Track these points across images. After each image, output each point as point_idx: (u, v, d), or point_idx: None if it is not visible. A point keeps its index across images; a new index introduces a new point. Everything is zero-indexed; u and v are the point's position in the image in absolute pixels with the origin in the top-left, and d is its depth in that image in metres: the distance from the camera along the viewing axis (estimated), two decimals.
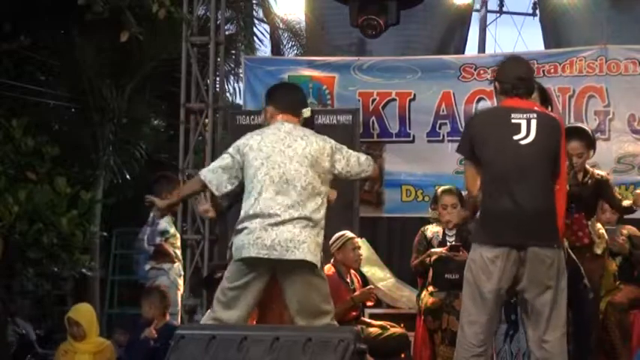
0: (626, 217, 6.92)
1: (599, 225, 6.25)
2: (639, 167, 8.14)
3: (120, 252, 12.29)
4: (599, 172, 6.21)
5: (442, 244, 6.66)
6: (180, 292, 7.10)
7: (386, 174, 8.58)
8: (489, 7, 14.86)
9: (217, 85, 10.36)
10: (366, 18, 7.88)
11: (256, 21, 13.78)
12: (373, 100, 8.65)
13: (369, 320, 6.84)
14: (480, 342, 4.62)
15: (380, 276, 8.10)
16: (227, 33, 10.53)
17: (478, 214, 4.82)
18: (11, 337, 8.44)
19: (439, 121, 8.54)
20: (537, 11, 11.71)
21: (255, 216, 4.67)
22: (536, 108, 4.76)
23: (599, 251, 6.18)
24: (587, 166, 6.16)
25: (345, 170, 4.84)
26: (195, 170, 7.86)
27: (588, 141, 6.07)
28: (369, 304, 6.81)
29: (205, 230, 8.44)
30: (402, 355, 6.60)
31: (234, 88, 13.27)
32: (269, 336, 3.97)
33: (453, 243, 6.57)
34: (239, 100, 11.65)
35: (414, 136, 8.61)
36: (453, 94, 8.52)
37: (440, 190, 6.86)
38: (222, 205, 5.63)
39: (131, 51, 10.16)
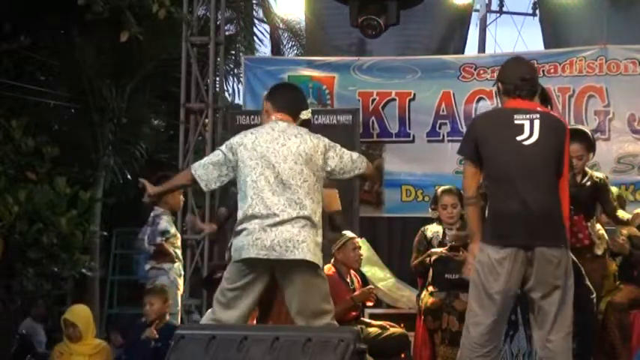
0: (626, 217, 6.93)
1: (598, 226, 6.25)
2: (639, 167, 8.14)
3: (120, 252, 12.30)
4: (598, 175, 6.21)
5: (442, 244, 6.66)
6: (180, 292, 7.10)
7: (386, 174, 8.59)
8: (489, 7, 14.89)
9: (217, 85, 10.38)
10: (366, 18, 7.88)
11: (256, 21, 13.80)
12: (373, 100, 8.65)
13: (369, 320, 6.84)
14: (484, 343, 4.62)
15: (380, 276, 8.10)
16: (227, 33, 10.55)
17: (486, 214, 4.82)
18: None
19: (439, 121, 8.54)
20: (537, 11, 11.70)
21: (254, 217, 4.66)
22: (539, 108, 4.76)
23: (599, 252, 6.18)
24: (586, 168, 6.16)
25: (338, 168, 4.83)
26: None
27: (588, 143, 6.07)
28: (369, 304, 6.80)
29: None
30: (402, 355, 6.60)
31: (233, 88, 13.29)
32: (269, 336, 3.97)
33: (453, 243, 6.57)
34: (239, 100, 11.64)
35: (413, 136, 8.61)
36: (453, 94, 8.52)
37: (440, 190, 6.86)
38: (221, 217, 5.62)
39: (131, 51, 10.17)
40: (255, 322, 5.45)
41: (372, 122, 8.62)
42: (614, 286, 6.72)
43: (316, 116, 7.75)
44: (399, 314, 7.53)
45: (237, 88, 12.95)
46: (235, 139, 4.85)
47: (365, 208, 8.39)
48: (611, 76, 8.24)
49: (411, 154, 8.59)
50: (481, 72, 8.50)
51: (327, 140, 4.86)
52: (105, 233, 10.89)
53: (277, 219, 4.63)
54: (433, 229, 6.79)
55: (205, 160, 4.92)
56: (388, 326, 6.69)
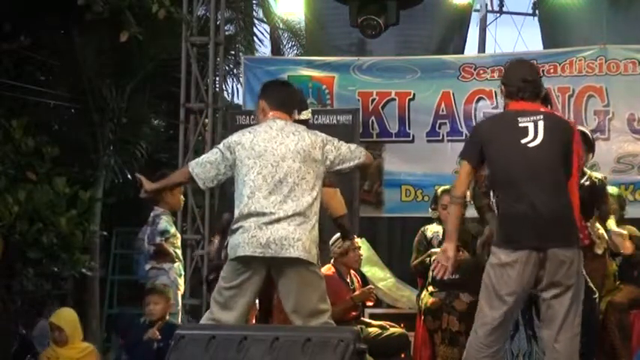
0: (626, 217, 6.94)
1: (598, 225, 6.25)
2: (639, 167, 8.14)
3: (120, 252, 12.30)
4: (597, 175, 6.22)
5: (442, 244, 6.64)
6: (180, 292, 7.10)
7: (385, 174, 8.59)
8: (489, 7, 14.88)
9: (217, 85, 10.37)
10: (366, 18, 7.88)
11: (256, 21, 13.78)
12: (373, 100, 8.65)
13: (369, 320, 6.84)
14: (490, 343, 4.62)
15: (380, 276, 8.10)
16: (227, 33, 10.53)
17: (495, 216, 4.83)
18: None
19: (439, 121, 8.54)
20: (537, 11, 11.70)
21: (250, 215, 4.67)
22: (542, 110, 4.76)
23: (599, 251, 6.18)
24: (585, 169, 6.17)
25: (337, 160, 4.84)
26: None
27: (587, 144, 6.08)
28: (369, 304, 6.80)
29: (205, 230, 8.44)
30: (402, 355, 6.60)
31: (233, 88, 13.29)
32: (269, 336, 3.97)
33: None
34: (239, 100, 11.64)
35: (413, 136, 8.61)
36: (453, 94, 8.52)
37: (440, 190, 6.87)
38: (225, 222, 5.57)
39: (131, 51, 10.17)
40: (255, 321, 5.44)
41: (372, 122, 8.62)
42: (614, 286, 6.72)
43: (316, 116, 7.75)
44: (399, 314, 7.53)
45: (237, 88, 12.95)
46: (233, 138, 4.85)
47: (365, 208, 8.39)
48: (610, 76, 8.24)
49: (410, 154, 8.59)
50: (481, 72, 8.50)
51: (324, 135, 4.89)
52: (105, 233, 10.89)
53: (273, 217, 4.64)
54: (433, 229, 6.79)
55: (203, 158, 4.93)
56: (388, 326, 6.68)
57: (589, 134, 6.28)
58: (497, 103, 8.27)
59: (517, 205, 4.59)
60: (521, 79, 4.80)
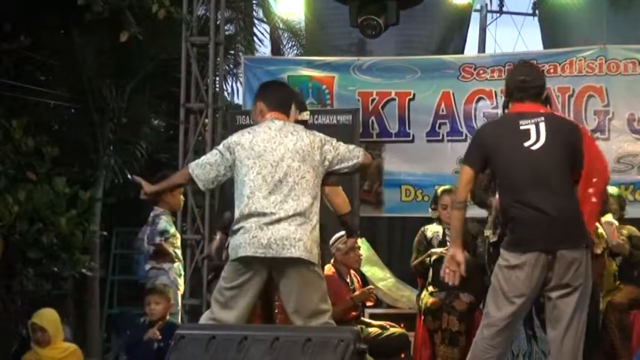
0: (626, 217, 6.94)
1: (597, 225, 6.25)
2: (639, 167, 8.14)
3: (120, 252, 12.29)
4: None
5: (442, 244, 6.67)
6: (180, 292, 7.10)
7: (385, 174, 8.59)
8: (489, 7, 14.88)
9: (217, 85, 10.36)
10: (366, 18, 7.88)
11: (256, 21, 13.76)
12: (373, 100, 8.65)
13: (369, 320, 6.84)
14: (497, 344, 4.63)
15: (380, 276, 8.10)
16: (227, 33, 10.53)
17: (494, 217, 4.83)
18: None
19: (439, 121, 8.54)
20: (537, 11, 11.70)
21: (250, 215, 4.68)
22: (542, 111, 4.76)
23: (598, 251, 6.18)
24: None
25: (336, 160, 4.84)
26: None
27: None
28: (369, 304, 6.81)
29: (205, 230, 8.44)
30: (402, 355, 6.61)
31: (232, 88, 13.27)
32: (269, 336, 3.98)
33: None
34: (238, 100, 11.63)
35: (413, 136, 8.61)
36: (453, 94, 8.52)
37: (440, 190, 6.87)
38: (227, 221, 5.57)
39: (131, 51, 10.16)
40: (259, 321, 5.43)
41: (372, 122, 8.62)
42: (614, 286, 6.72)
43: (316, 116, 7.76)
44: (399, 314, 7.54)
45: (237, 87, 12.95)
46: (233, 139, 4.86)
47: (365, 208, 8.39)
48: (610, 76, 8.23)
49: (410, 154, 8.59)
50: (481, 72, 8.50)
51: (322, 135, 4.91)
52: (105, 233, 10.87)
53: (274, 217, 4.65)
54: (433, 229, 6.80)
55: (203, 159, 4.94)
56: (388, 326, 6.69)
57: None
58: (497, 103, 8.28)
59: (525, 209, 4.58)
60: (519, 80, 4.82)
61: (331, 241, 6.51)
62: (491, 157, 4.72)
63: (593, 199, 4.74)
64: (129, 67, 10.95)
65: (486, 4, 14.17)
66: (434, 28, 9.87)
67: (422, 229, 6.89)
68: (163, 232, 6.94)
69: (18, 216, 7.60)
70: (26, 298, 9.30)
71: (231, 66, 12.52)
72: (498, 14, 15.37)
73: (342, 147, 4.89)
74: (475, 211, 6.06)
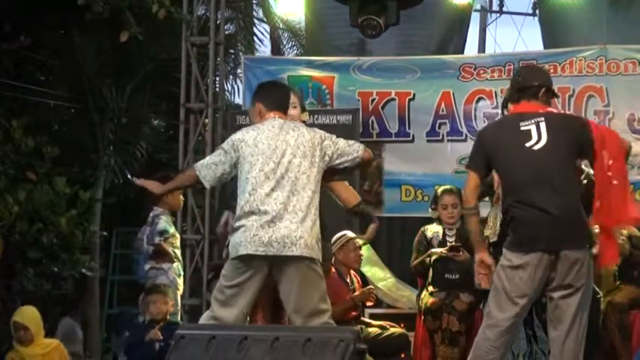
0: None
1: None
2: (639, 167, 8.14)
3: (120, 252, 12.29)
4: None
5: (442, 244, 6.67)
6: (179, 292, 7.10)
7: (385, 174, 8.59)
8: (489, 7, 14.89)
9: (217, 85, 10.36)
10: (366, 18, 7.87)
11: (256, 21, 13.77)
12: (373, 100, 8.65)
13: (369, 320, 6.84)
14: (500, 345, 4.63)
15: (380, 276, 8.11)
16: (227, 33, 10.52)
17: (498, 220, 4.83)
18: None
19: (438, 121, 8.54)
20: (537, 11, 11.70)
21: (252, 213, 4.69)
22: (541, 110, 4.76)
23: (594, 251, 6.17)
24: (583, 166, 6.15)
25: (335, 154, 4.86)
26: None
27: None
28: (369, 304, 6.81)
29: (205, 230, 8.44)
30: (402, 355, 6.61)
31: (233, 88, 13.27)
32: (269, 336, 3.97)
33: (453, 243, 6.58)
34: (239, 100, 11.63)
35: (413, 136, 8.61)
36: (453, 93, 8.52)
37: (440, 190, 6.87)
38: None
39: (131, 51, 10.15)
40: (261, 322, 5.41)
41: (372, 122, 8.62)
42: (614, 286, 6.72)
43: (316, 116, 7.77)
44: (399, 314, 7.54)
45: (237, 87, 12.94)
46: (236, 136, 4.89)
47: (363, 207, 8.36)
48: (611, 76, 8.23)
49: (410, 153, 8.59)
50: (481, 72, 8.50)
51: (322, 132, 4.94)
52: (105, 233, 10.87)
53: (275, 215, 4.66)
54: (433, 229, 6.80)
55: (208, 160, 4.97)
56: (388, 326, 6.69)
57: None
58: (497, 103, 8.28)
59: (527, 209, 4.58)
60: (516, 81, 4.85)
61: (332, 240, 6.50)
62: (492, 158, 4.73)
63: (614, 182, 4.69)
64: (129, 67, 10.94)
65: (487, 4, 14.17)
66: (434, 28, 9.87)
67: (422, 229, 6.88)
68: (163, 232, 6.94)
69: (18, 216, 7.61)
70: (26, 298, 9.30)
71: (232, 65, 12.52)
72: (498, 14, 15.38)
73: (342, 142, 4.92)
74: None
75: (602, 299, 6.25)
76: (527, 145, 4.65)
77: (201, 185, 5.04)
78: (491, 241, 5.71)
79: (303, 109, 5.36)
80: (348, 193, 5.38)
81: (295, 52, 13.89)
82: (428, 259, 6.66)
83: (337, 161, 4.89)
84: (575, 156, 4.71)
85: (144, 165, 11.76)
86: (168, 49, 10.50)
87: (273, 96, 5.05)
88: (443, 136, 8.54)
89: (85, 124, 11.25)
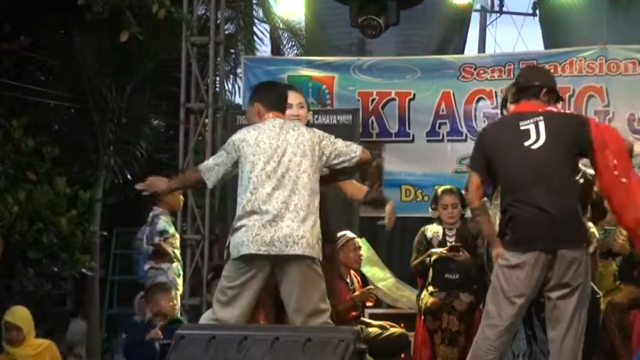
0: None
1: (590, 224, 6.24)
2: (639, 167, 8.13)
3: (120, 252, 12.30)
4: (591, 172, 6.19)
5: (442, 244, 6.66)
6: (179, 292, 7.10)
7: (385, 174, 8.53)
8: (489, 7, 14.89)
9: (217, 85, 10.36)
10: (366, 18, 7.87)
11: (256, 21, 13.77)
12: (373, 100, 8.65)
13: (369, 320, 6.84)
14: (500, 344, 4.63)
15: (380, 276, 8.10)
16: (227, 33, 10.52)
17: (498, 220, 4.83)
18: None
19: (439, 121, 8.53)
20: (537, 11, 11.70)
21: (253, 212, 4.69)
22: (540, 110, 4.76)
23: (590, 250, 6.16)
24: (580, 165, 6.14)
25: (333, 154, 4.87)
26: None
27: None
28: (369, 304, 6.81)
29: (205, 230, 8.44)
30: (402, 355, 6.60)
31: (233, 88, 13.27)
32: (269, 336, 3.98)
33: (453, 243, 6.57)
34: (239, 100, 11.64)
35: (413, 136, 8.60)
36: (453, 93, 8.52)
37: (440, 190, 6.87)
38: None
39: (131, 51, 10.16)
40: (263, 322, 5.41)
41: (372, 122, 8.61)
42: (614, 286, 6.71)
43: (316, 116, 7.76)
44: (399, 314, 7.53)
45: (237, 87, 12.94)
46: (237, 136, 4.90)
47: (365, 208, 8.30)
48: (611, 76, 8.23)
49: (410, 153, 8.58)
50: (481, 72, 8.49)
51: (321, 132, 4.96)
52: (105, 233, 10.88)
53: (276, 214, 4.67)
54: (433, 229, 6.79)
55: (211, 162, 4.98)
56: (388, 326, 6.68)
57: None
58: (497, 103, 8.27)
59: (525, 208, 4.59)
60: (518, 82, 4.85)
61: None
62: (492, 158, 4.74)
63: (623, 180, 4.68)
64: (129, 67, 10.95)
65: (488, 4, 14.18)
66: (434, 28, 9.88)
67: (422, 229, 6.88)
68: (162, 232, 6.95)
69: (18, 216, 7.61)
70: (26, 298, 9.31)
71: (232, 65, 12.52)
72: (498, 14, 15.38)
73: (340, 142, 4.93)
74: None
75: (602, 299, 6.24)
76: (526, 144, 4.65)
77: (204, 185, 5.07)
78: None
79: (307, 109, 5.38)
80: (354, 189, 5.40)
81: (295, 52, 13.89)
82: (428, 259, 6.66)
83: (334, 161, 4.90)
84: (574, 155, 4.71)
85: (144, 165, 11.77)
86: (168, 49, 10.51)
87: (272, 96, 5.06)
88: (443, 136, 8.54)
89: (85, 124, 11.26)
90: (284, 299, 4.78)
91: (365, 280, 7.51)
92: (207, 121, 8.68)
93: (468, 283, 6.46)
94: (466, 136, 8.37)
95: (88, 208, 8.41)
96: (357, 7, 7.92)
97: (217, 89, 10.35)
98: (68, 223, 7.85)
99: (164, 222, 6.98)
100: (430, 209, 6.96)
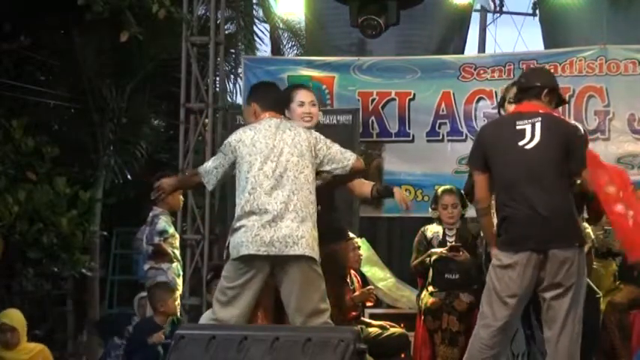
0: None
1: (585, 224, 6.23)
2: (639, 167, 8.14)
3: (120, 252, 12.28)
4: None
5: (442, 244, 6.66)
6: (178, 292, 7.10)
7: (385, 174, 8.58)
8: (489, 7, 14.87)
9: (217, 85, 10.36)
10: (366, 18, 7.87)
11: (256, 21, 13.76)
12: (373, 100, 8.64)
13: (369, 320, 6.84)
14: (494, 345, 4.64)
15: (380, 276, 8.10)
16: (227, 33, 10.52)
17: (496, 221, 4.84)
18: None
19: (439, 121, 8.53)
20: (537, 11, 11.69)
21: (252, 213, 4.70)
22: (540, 111, 4.77)
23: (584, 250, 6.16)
24: None
25: (326, 159, 4.87)
26: None
27: None
28: (369, 304, 6.81)
29: (205, 230, 8.44)
30: (402, 355, 6.61)
31: (234, 87, 13.26)
32: (269, 336, 3.98)
33: (453, 243, 6.57)
34: (239, 100, 11.63)
35: (413, 136, 8.60)
36: (453, 93, 8.52)
37: (440, 190, 6.87)
38: None
39: (131, 51, 10.16)
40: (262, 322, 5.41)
41: (372, 122, 8.61)
42: (614, 286, 6.72)
43: None
44: (399, 314, 7.54)
45: (237, 87, 12.94)
46: (233, 137, 4.92)
47: (365, 208, 8.38)
48: (611, 77, 8.23)
49: (410, 153, 8.58)
50: (481, 72, 8.49)
51: (318, 134, 4.97)
52: (105, 233, 10.88)
53: (276, 214, 4.68)
54: (433, 229, 6.79)
55: (210, 164, 5.01)
56: (388, 326, 6.69)
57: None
58: (497, 103, 8.26)
59: (517, 207, 4.60)
60: (519, 82, 4.87)
61: None
62: (489, 156, 4.75)
63: (630, 213, 4.74)
64: (129, 67, 10.95)
65: (489, 5, 14.16)
66: (434, 28, 9.87)
67: (422, 229, 6.88)
68: (162, 232, 6.94)
69: (18, 216, 7.61)
70: (26, 298, 9.31)
71: (232, 64, 12.51)
72: (498, 14, 15.37)
73: (335, 148, 4.93)
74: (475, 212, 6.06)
75: (601, 299, 6.25)
76: (520, 143, 4.67)
77: (203, 186, 5.10)
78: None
79: (319, 107, 5.41)
80: (362, 185, 5.44)
81: (295, 52, 13.88)
82: (428, 259, 6.66)
83: (327, 167, 4.90)
84: (567, 157, 4.71)
85: (144, 165, 11.77)
86: (168, 49, 10.50)
87: (268, 96, 5.08)
88: (443, 136, 8.53)
89: (85, 124, 11.25)
90: (284, 299, 4.78)
91: (365, 280, 7.51)
92: (207, 121, 8.68)
93: (468, 283, 6.46)
94: (466, 136, 8.37)
95: (88, 208, 8.41)
96: (357, 7, 7.92)
97: (217, 89, 10.35)
98: (68, 223, 7.85)
99: (164, 222, 6.97)
100: (430, 209, 6.96)
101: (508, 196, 4.66)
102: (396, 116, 8.61)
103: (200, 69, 8.82)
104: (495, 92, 8.34)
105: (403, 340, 6.63)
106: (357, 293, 6.57)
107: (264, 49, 13.78)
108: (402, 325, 6.90)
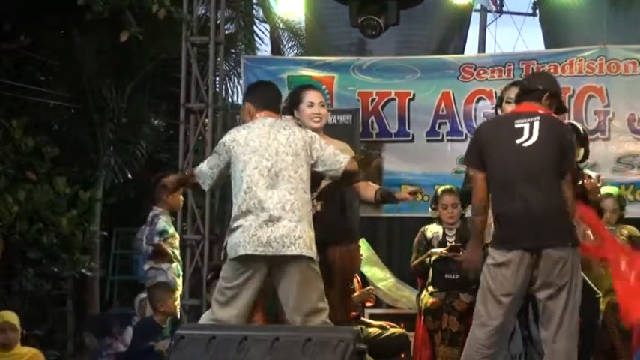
0: (626, 217, 6.93)
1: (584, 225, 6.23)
2: (639, 167, 8.14)
3: (120, 252, 12.29)
4: (590, 173, 6.19)
5: (442, 244, 6.66)
6: (178, 292, 7.10)
7: (385, 174, 8.58)
8: (490, 7, 14.87)
9: (217, 85, 10.36)
10: (366, 18, 7.87)
11: (256, 21, 13.76)
12: (372, 100, 8.64)
13: (369, 320, 6.84)
14: (490, 344, 4.64)
15: (380, 276, 8.10)
16: (227, 33, 10.52)
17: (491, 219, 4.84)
18: None
19: (438, 121, 8.53)
20: (537, 11, 11.69)
21: (249, 212, 4.70)
22: (540, 111, 4.78)
23: (578, 250, 6.16)
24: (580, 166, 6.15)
25: (319, 160, 4.87)
26: None
27: (579, 138, 6.04)
28: (369, 304, 6.81)
29: (205, 230, 8.44)
30: (402, 355, 6.60)
31: (235, 87, 13.26)
32: (269, 336, 3.98)
33: (453, 243, 6.57)
34: (239, 100, 11.63)
35: (413, 136, 8.60)
36: (453, 93, 8.51)
37: (440, 190, 6.87)
38: None
39: (131, 51, 10.16)
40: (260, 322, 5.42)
41: (372, 122, 8.61)
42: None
43: None
44: (399, 314, 7.53)
45: (237, 87, 12.93)
46: (227, 137, 4.93)
47: (365, 208, 8.34)
48: (611, 76, 8.22)
49: (410, 153, 8.58)
50: (481, 72, 8.49)
51: (312, 133, 4.96)
52: (105, 233, 10.88)
53: (273, 214, 4.68)
54: (433, 229, 6.79)
55: (205, 166, 5.02)
56: (388, 326, 6.68)
57: (580, 128, 6.25)
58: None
59: (512, 205, 4.61)
60: (522, 83, 4.88)
61: None
62: (485, 154, 4.75)
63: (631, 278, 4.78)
64: (129, 67, 10.95)
65: (490, 5, 14.15)
66: (434, 28, 9.87)
67: (422, 229, 6.88)
68: (162, 232, 6.95)
69: (18, 216, 7.61)
70: (26, 298, 9.31)
71: (232, 65, 12.51)
72: (498, 14, 15.37)
73: (329, 150, 4.92)
74: None
75: (601, 299, 6.24)
76: (518, 142, 4.69)
77: (200, 187, 5.12)
78: (486, 241, 5.71)
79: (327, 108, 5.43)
80: (367, 188, 5.47)
81: (295, 52, 13.88)
82: (428, 259, 6.66)
83: (319, 168, 4.89)
84: (562, 156, 4.72)
85: (144, 165, 11.77)
86: (168, 49, 10.51)
87: (263, 95, 5.08)
88: (443, 136, 8.53)
89: (85, 124, 11.26)
90: (282, 299, 4.79)
91: (365, 280, 7.51)
92: (207, 121, 8.68)
93: (467, 283, 6.46)
94: (466, 136, 8.36)
95: (88, 208, 8.41)
96: (357, 7, 7.92)
97: (217, 89, 10.35)
98: (68, 223, 7.85)
99: (164, 222, 6.98)
100: (430, 209, 6.97)
101: (503, 194, 4.66)
102: (395, 116, 8.61)
103: (200, 69, 8.82)
104: (495, 92, 8.33)
105: (403, 340, 6.63)
106: (357, 293, 6.57)
107: (264, 49, 13.79)
108: (402, 325, 6.90)
